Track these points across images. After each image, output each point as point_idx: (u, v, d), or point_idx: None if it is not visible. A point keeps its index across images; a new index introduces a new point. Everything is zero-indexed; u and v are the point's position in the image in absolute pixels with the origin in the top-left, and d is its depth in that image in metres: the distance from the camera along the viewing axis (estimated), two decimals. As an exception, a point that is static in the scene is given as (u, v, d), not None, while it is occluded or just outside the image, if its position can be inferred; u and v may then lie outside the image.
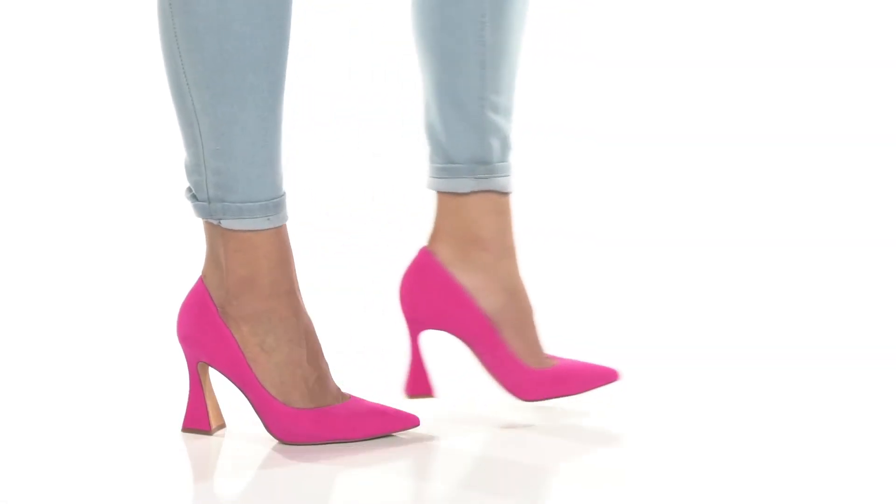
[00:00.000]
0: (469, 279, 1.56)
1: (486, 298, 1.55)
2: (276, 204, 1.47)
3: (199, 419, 1.51)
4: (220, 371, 1.49)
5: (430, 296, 1.56)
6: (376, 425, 1.48)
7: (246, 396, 1.48)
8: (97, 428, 1.57)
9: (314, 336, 1.50)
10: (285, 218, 1.48)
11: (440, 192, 1.57)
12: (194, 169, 1.47)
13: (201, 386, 1.51)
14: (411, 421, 1.49)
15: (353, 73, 2.57)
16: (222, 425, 1.53)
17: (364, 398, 1.51)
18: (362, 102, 2.52)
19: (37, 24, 2.60)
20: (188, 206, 1.49)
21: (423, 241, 1.57)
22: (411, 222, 2.36)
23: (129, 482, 1.38)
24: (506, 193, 1.57)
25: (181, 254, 2.34)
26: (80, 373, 1.83)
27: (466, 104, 1.54)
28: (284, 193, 1.48)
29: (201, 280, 1.50)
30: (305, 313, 1.49)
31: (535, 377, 1.54)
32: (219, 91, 1.43)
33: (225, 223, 1.47)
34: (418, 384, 1.58)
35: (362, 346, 1.90)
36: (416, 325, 1.57)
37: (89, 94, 2.60)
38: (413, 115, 2.48)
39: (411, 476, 1.39)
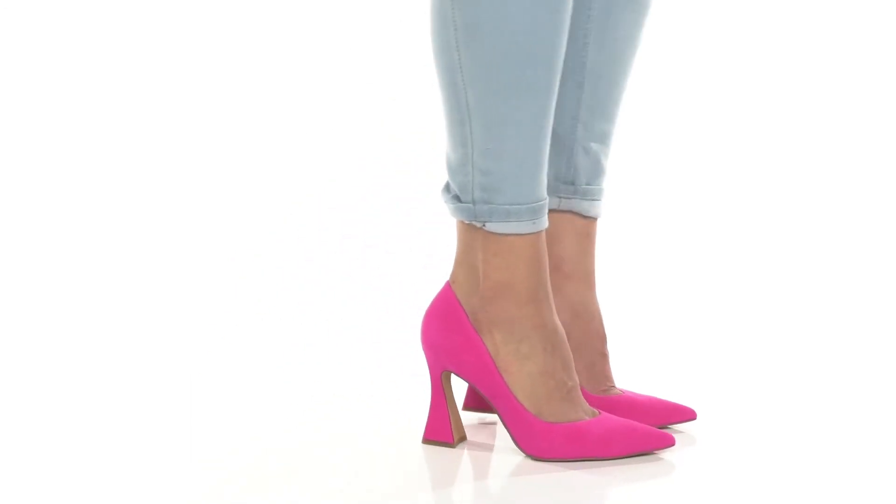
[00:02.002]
0: None
1: None
2: (541, 207, 1.42)
3: (442, 431, 1.44)
4: (467, 380, 1.42)
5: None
6: (630, 444, 1.40)
7: (493, 407, 1.41)
8: (96, 428, 1.56)
9: (566, 345, 1.43)
10: (546, 223, 1.43)
11: None
12: (460, 169, 1.42)
13: (444, 396, 1.44)
14: (666, 440, 1.41)
15: (350, 77, 2.57)
16: (464, 438, 1.46)
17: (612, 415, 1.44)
18: (359, 107, 2.52)
19: (38, 25, 2.60)
20: (448, 206, 1.43)
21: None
22: (409, 226, 2.36)
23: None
24: (589, 217, 1.54)
25: (180, 255, 2.34)
26: (79, 373, 1.82)
27: (557, 122, 1.52)
28: (547, 198, 1.43)
29: (449, 286, 1.44)
30: (557, 321, 1.43)
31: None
32: (495, 87, 1.38)
33: (489, 226, 1.41)
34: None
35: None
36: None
37: (91, 95, 2.60)
38: (414, 119, 2.50)
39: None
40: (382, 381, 1.73)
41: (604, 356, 1.52)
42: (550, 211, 1.52)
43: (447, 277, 1.47)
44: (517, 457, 1.42)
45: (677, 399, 1.56)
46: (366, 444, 1.47)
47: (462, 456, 1.43)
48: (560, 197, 1.53)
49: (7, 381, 1.75)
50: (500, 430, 1.46)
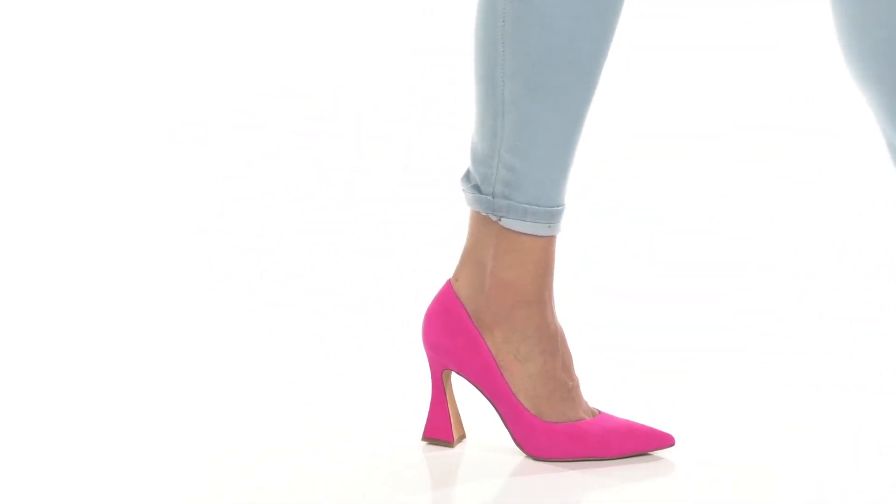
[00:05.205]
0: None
1: None
2: (558, 212, 1.41)
3: (442, 429, 1.44)
4: (468, 380, 1.42)
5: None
6: (631, 444, 1.41)
7: (495, 407, 1.42)
8: (96, 428, 1.56)
9: (566, 346, 1.43)
10: (560, 229, 1.42)
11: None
12: (485, 160, 1.40)
13: (445, 395, 1.44)
14: (666, 440, 1.42)
15: (350, 78, 2.57)
16: (463, 436, 1.46)
17: (615, 415, 1.45)
18: (359, 106, 2.51)
19: (39, 25, 2.60)
20: (465, 195, 1.42)
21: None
22: (409, 225, 2.36)
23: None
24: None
25: (180, 254, 2.33)
26: (78, 373, 1.82)
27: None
28: (565, 204, 1.42)
29: (450, 285, 1.44)
30: (557, 322, 1.43)
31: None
32: (533, 86, 1.37)
33: (505, 222, 1.40)
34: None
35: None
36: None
37: (92, 95, 2.60)
38: (414, 119, 2.50)
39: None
40: (382, 380, 1.73)
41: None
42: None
43: (448, 276, 1.46)
44: (517, 457, 1.42)
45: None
46: (365, 442, 1.47)
47: (462, 456, 1.43)
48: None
49: (7, 381, 1.75)
50: (501, 429, 1.46)
